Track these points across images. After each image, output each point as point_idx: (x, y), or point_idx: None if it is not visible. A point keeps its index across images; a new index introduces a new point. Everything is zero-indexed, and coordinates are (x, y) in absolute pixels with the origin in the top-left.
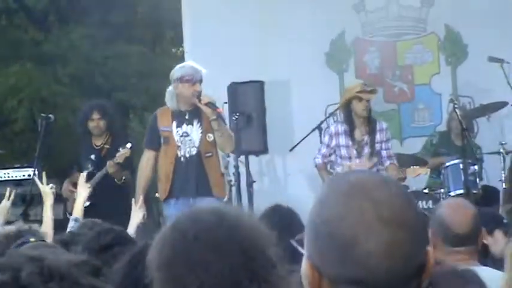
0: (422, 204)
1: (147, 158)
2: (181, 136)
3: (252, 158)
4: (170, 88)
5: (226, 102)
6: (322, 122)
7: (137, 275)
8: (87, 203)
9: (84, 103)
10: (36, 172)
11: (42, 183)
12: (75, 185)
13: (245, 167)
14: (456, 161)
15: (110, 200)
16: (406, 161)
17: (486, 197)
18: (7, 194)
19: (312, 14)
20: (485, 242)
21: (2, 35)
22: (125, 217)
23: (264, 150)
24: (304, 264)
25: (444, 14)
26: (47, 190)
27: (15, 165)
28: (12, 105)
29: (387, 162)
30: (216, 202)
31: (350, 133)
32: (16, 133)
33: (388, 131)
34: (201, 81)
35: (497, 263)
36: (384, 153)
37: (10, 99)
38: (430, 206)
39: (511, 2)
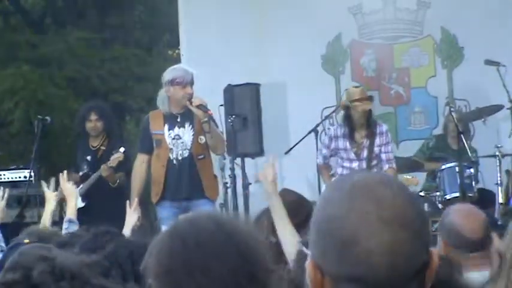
0: None
1: (140, 161)
2: (173, 139)
3: (247, 160)
4: (162, 91)
5: (222, 105)
6: (318, 125)
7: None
8: (82, 204)
9: (80, 105)
10: (32, 174)
11: (48, 188)
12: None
13: (241, 170)
14: (452, 164)
15: (105, 201)
16: (402, 164)
17: (482, 200)
18: (0, 193)
19: (308, 17)
20: None
21: None
22: (120, 219)
23: (260, 152)
24: (308, 264)
25: (440, 17)
26: (50, 196)
27: (12, 167)
28: (8, 107)
29: (386, 166)
30: (211, 205)
31: (349, 136)
32: (12, 135)
33: (388, 134)
34: (192, 83)
35: None
36: (383, 156)
37: (7, 101)
38: (426, 209)
39: (507, 5)
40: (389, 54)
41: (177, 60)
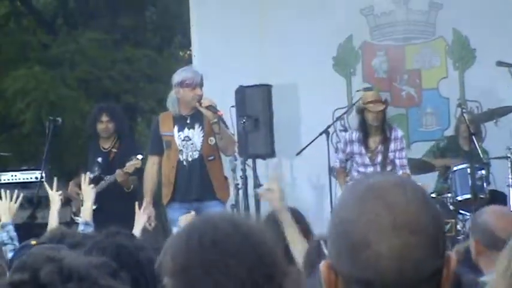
0: None
1: (151, 163)
2: (183, 140)
3: (259, 161)
4: (172, 93)
5: (233, 106)
6: (329, 126)
7: None
8: (94, 207)
9: (92, 106)
10: (44, 175)
11: (51, 188)
12: (80, 186)
13: (252, 171)
14: (463, 166)
15: (117, 204)
16: (412, 165)
17: (493, 202)
18: (14, 196)
19: (320, 18)
20: None
21: (11, 37)
22: (132, 221)
23: (271, 153)
24: (322, 265)
25: (452, 18)
26: (54, 196)
27: (23, 168)
28: (20, 108)
29: (399, 172)
30: (221, 207)
31: (364, 140)
32: (24, 136)
33: (403, 139)
34: (201, 85)
35: None
36: (397, 162)
37: (18, 102)
38: None
39: None
40: (400, 56)
41: (189, 61)
